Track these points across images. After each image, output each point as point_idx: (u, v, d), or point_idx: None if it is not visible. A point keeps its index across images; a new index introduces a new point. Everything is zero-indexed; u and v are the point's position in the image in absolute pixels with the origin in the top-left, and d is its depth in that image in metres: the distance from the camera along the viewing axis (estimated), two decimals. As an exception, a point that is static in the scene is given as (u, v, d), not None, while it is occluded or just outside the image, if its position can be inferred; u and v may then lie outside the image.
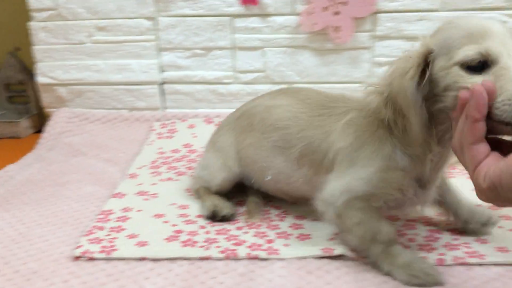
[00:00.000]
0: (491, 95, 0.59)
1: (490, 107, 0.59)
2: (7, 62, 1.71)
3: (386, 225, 0.79)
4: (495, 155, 0.58)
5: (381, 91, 0.75)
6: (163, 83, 1.57)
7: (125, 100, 1.60)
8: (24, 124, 1.66)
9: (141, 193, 1.10)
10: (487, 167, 0.57)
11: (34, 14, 1.55)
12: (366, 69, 1.46)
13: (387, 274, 0.78)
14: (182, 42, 1.52)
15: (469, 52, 0.63)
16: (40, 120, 1.73)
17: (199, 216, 1.00)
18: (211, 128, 1.48)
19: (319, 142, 0.85)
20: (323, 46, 1.46)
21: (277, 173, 0.93)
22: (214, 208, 0.97)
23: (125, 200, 1.06)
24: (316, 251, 0.85)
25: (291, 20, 1.45)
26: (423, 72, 0.69)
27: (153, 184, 1.15)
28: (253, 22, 1.47)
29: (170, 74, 1.56)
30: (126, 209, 1.02)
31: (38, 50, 1.57)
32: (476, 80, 0.62)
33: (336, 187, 0.79)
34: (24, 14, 1.57)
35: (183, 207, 1.03)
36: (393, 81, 0.72)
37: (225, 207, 0.98)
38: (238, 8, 1.46)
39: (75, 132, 1.51)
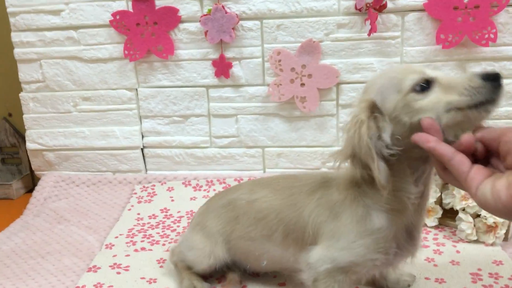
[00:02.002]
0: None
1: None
2: (0, 127, 1.82)
3: None
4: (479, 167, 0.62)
5: (345, 154, 0.78)
6: (144, 147, 1.67)
7: (109, 164, 1.69)
8: (16, 186, 1.76)
9: (114, 266, 1.18)
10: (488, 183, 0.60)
11: (24, 86, 1.66)
12: (333, 134, 1.55)
13: None
14: (162, 110, 1.62)
15: (413, 76, 0.72)
16: (32, 180, 1.83)
17: (165, 291, 1.08)
18: (188, 191, 1.58)
19: (295, 220, 0.90)
20: (292, 113, 1.56)
21: (270, 257, 0.97)
22: None
23: (99, 274, 1.14)
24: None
25: (262, 90, 1.55)
26: (376, 123, 0.74)
27: (127, 255, 1.23)
28: (227, 92, 1.57)
29: (151, 139, 1.66)
30: (98, 285, 1.10)
31: (27, 118, 1.69)
32: (430, 96, 0.70)
33: (322, 255, 0.84)
34: (16, 84, 1.69)
35: (151, 280, 1.11)
36: (352, 139, 0.75)
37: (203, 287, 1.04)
38: (212, 80, 1.57)
39: (61, 196, 1.61)
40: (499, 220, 1.16)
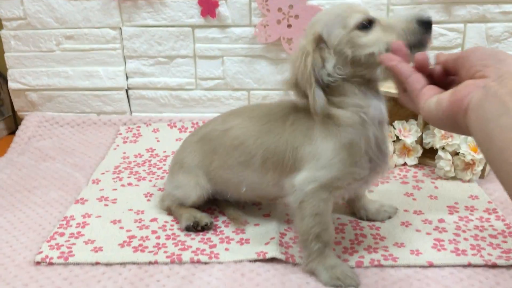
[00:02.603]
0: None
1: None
2: (-20, 67, 1.78)
3: (332, 227, 0.90)
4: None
5: (289, 83, 0.86)
6: (129, 88, 1.66)
7: (93, 105, 1.68)
8: (-2, 127, 1.74)
9: (101, 199, 1.20)
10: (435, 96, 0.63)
11: (5, 23, 1.62)
12: (319, 77, 1.56)
13: (310, 271, 0.90)
14: (146, 51, 1.60)
15: (358, 16, 0.81)
16: (14, 122, 1.81)
17: (153, 220, 1.10)
18: (174, 132, 1.59)
19: (274, 145, 0.94)
20: (278, 56, 1.56)
21: (249, 183, 1.01)
22: (194, 219, 1.05)
23: (86, 206, 1.16)
24: (252, 254, 0.96)
25: (248, 31, 1.54)
26: (320, 54, 0.83)
27: (114, 189, 1.25)
28: (213, 32, 1.56)
29: (135, 80, 1.65)
30: (86, 215, 1.12)
31: (9, 57, 1.65)
32: (371, 34, 0.80)
33: (306, 176, 0.88)
34: (-5, 22, 1.64)
35: (139, 212, 1.14)
36: (297, 69, 0.83)
37: (204, 217, 1.06)
38: (198, 20, 1.55)
39: (45, 136, 1.60)
40: (477, 157, 1.20)
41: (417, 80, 0.67)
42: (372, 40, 0.80)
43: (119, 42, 1.60)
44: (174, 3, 1.53)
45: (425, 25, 0.78)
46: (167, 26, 1.57)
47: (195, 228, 1.04)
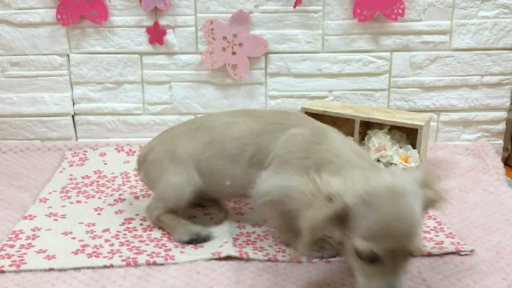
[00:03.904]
0: None
1: None
2: None
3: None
4: None
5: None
6: (75, 114, 1.67)
7: (37, 131, 1.67)
8: None
9: (50, 215, 1.19)
10: None
11: None
12: (262, 101, 1.66)
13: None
14: (94, 77, 1.64)
15: (363, 246, 0.74)
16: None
17: (105, 230, 1.11)
18: (121, 156, 1.61)
19: (266, 145, 1.02)
20: (223, 81, 1.64)
21: (233, 176, 1.07)
22: (193, 232, 1.06)
23: (35, 221, 1.15)
24: (206, 254, 1.00)
25: (195, 58, 1.62)
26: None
27: (63, 206, 1.24)
28: (161, 59, 1.63)
29: (82, 106, 1.67)
30: (36, 229, 1.11)
31: (-51, 83, 1.62)
32: (362, 268, 0.76)
33: (262, 187, 0.98)
34: None
35: (90, 224, 1.14)
36: (308, 211, 0.79)
37: (201, 229, 1.08)
38: (146, 47, 1.61)
39: (-14, 162, 1.56)
40: (408, 165, 1.32)
41: None
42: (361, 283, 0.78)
43: (66, 68, 1.63)
44: (123, 31, 1.60)
45: None
46: (115, 53, 1.62)
47: (197, 241, 1.06)
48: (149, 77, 1.64)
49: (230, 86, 1.65)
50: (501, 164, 1.48)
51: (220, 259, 0.98)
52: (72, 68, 1.63)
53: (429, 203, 0.82)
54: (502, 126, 1.68)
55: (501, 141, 1.69)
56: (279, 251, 1.03)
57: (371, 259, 0.74)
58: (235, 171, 1.06)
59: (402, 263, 0.76)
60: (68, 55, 1.62)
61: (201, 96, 1.66)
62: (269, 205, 1.00)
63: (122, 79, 1.64)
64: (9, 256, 0.98)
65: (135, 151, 1.62)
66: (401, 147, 1.36)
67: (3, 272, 0.93)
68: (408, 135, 1.41)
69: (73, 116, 1.68)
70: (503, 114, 1.67)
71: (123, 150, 1.63)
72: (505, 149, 1.71)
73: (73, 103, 1.67)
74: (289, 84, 1.65)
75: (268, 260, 0.99)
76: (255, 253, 1.00)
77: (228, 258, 0.99)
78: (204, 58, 1.60)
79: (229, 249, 1.01)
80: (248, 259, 0.99)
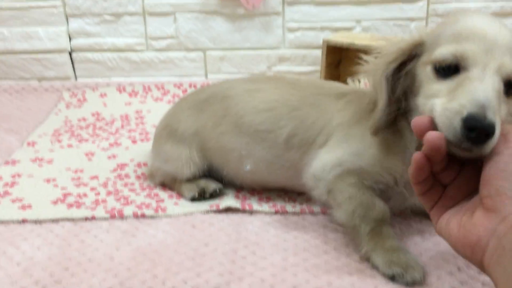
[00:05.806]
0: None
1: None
2: None
3: (380, 203, 0.72)
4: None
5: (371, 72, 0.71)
6: (72, 51, 1.52)
7: (33, 70, 1.54)
8: None
9: (36, 160, 1.06)
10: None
11: None
12: (279, 35, 1.47)
13: (365, 256, 0.70)
14: (91, 8, 1.47)
15: (443, 51, 0.58)
16: None
17: (93, 177, 0.98)
18: (123, 97, 1.46)
19: (314, 119, 0.79)
20: (234, 11, 1.45)
21: (257, 161, 0.84)
22: (199, 187, 0.88)
23: (17, 167, 1.03)
24: (204, 206, 0.85)
25: (202, -16, 1.43)
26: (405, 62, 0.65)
27: (51, 151, 1.11)
28: (163, -14, 1.44)
29: (79, 41, 1.51)
30: (16, 175, 0.99)
31: None
32: (440, 87, 0.58)
33: (327, 161, 0.74)
34: None
35: (78, 171, 1.01)
36: (375, 61, 0.69)
37: (210, 182, 0.89)
38: (147, -29, 1.43)
39: (-22, 103, 1.44)
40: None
41: (427, 201, 0.55)
42: (434, 104, 0.57)
43: (60, -2, 1.46)
44: (120, -47, 1.41)
45: (474, 136, 0.50)
46: (113, -20, 1.44)
47: (203, 196, 0.88)
48: (150, 7, 1.46)
49: (242, 17, 1.45)
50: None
51: (219, 211, 0.84)
52: (66, -3, 1.46)
53: None
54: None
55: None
56: (288, 201, 0.87)
57: (452, 69, 0.57)
58: (261, 154, 0.83)
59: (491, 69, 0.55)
60: (61, -17, 1.45)
61: (210, 29, 1.47)
62: (341, 182, 0.73)
63: (121, 10, 1.47)
64: (-20, 206, 0.86)
65: (137, 92, 1.47)
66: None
67: (-30, 223, 0.81)
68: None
69: (70, 53, 1.52)
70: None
71: (125, 91, 1.48)
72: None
73: (70, 38, 1.51)
74: (310, 14, 1.44)
75: (276, 212, 0.84)
76: (260, 205, 0.85)
77: (228, 210, 0.84)
78: (212, -16, 1.41)
79: (230, 200, 0.86)
80: (252, 212, 0.84)
